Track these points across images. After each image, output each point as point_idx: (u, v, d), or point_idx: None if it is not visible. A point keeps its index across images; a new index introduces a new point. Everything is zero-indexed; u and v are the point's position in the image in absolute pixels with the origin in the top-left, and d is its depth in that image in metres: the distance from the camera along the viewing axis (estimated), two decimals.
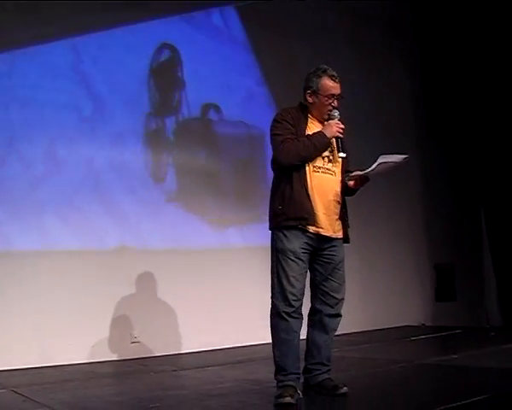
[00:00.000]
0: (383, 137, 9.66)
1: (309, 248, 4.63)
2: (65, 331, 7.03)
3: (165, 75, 8.28)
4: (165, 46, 8.21)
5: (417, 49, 10.90)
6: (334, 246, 4.74)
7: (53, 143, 7.31)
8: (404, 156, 4.69)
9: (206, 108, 8.48)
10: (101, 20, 7.70)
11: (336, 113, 4.73)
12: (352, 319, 8.28)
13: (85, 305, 7.21)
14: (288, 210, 4.58)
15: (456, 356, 6.43)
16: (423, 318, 10.30)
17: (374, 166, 4.65)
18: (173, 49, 8.25)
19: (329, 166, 4.73)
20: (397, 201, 10.06)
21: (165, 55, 8.22)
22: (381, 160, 4.65)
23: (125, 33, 7.85)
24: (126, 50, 7.85)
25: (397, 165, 4.74)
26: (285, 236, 4.60)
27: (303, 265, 4.63)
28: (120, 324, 7.54)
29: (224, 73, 8.57)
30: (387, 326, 9.46)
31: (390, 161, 4.68)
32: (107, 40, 7.73)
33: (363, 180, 4.78)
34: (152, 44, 8.14)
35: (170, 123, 8.21)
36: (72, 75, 7.52)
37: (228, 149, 8.58)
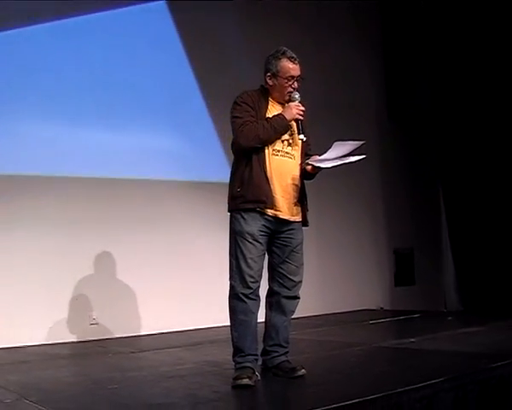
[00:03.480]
0: (343, 121, 9.68)
1: (267, 230, 4.64)
2: (22, 312, 6.97)
3: None
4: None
5: (380, 32, 10.93)
6: (293, 229, 4.75)
7: None
8: (359, 142, 4.69)
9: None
10: None
11: (297, 95, 4.72)
12: (311, 302, 8.36)
13: (44, 286, 7.17)
14: (246, 193, 4.58)
15: (413, 340, 6.47)
16: (382, 302, 10.38)
17: (328, 152, 4.67)
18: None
19: (289, 149, 4.72)
20: (356, 185, 10.10)
21: None
22: (335, 146, 4.66)
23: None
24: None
25: (353, 155, 4.72)
26: (243, 218, 4.60)
27: (261, 247, 4.64)
28: (79, 305, 7.50)
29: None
30: (346, 310, 9.53)
31: (344, 153, 4.68)
32: None
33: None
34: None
35: None
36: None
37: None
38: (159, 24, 8.54)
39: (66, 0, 7.62)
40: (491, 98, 9.38)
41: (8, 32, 7.33)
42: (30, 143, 7.39)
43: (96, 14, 7.94)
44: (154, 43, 8.43)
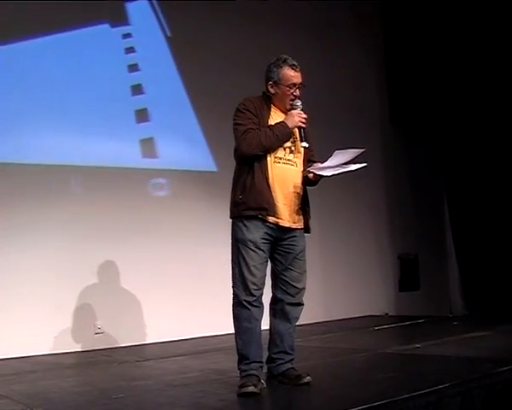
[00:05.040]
0: (346, 125, 9.69)
1: (269, 238, 4.65)
2: (27, 322, 6.98)
3: None
4: None
5: (382, 36, 10.94)
6: (295, 236, 4.76)
7: None
8: (359, 150, 4.69)
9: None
10: None
11: (299, 102, 4.73)
12: (316, 308, 8.36)
13: (49, 296, 7.18)
14: (248, 200, 4.58)
15: (419, 345, 6.47)
16: (387, 307, 10.37)
17: (329, 160, 4.67)
18: None
19: (291, 157, 4.73)
20: (359, 190, 10.10)
21: None
22: (336, 154, 4.67)
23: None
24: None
25: (354, 163, 4.71)
26: (245, 226, 4.60)
27: (263, 254, 4.64)
28: (84, 314, 7.51)
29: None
30: (351, 316, 9.52)
31: (345, 160, 4.68)
32: None
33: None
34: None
35: None
36: None
37: None
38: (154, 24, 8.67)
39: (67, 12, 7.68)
40: (495, 101, 9.38)
41: (13, 44, 7.40)
42: (34, 152, 7.43)
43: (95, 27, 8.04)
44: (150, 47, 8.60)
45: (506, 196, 9.45)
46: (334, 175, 4.69)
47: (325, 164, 4.71)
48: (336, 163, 4.67)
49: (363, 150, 4.68)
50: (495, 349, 6.00)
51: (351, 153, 4.68)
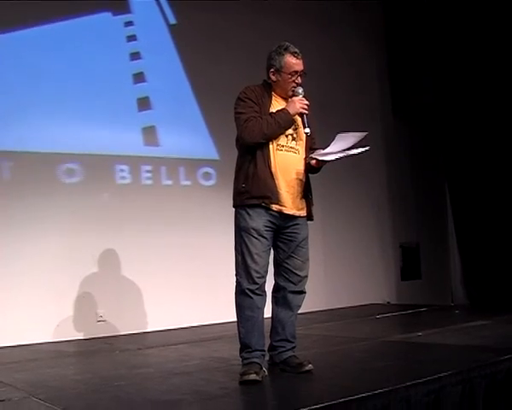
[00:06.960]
0: (348, 118, 9.65)
1: (272, 226, 4.64)
2: (29, 310, 7.00)
3: None
4: None
5: (384, 28, 10.92)
6: (298, 224, 4.75)
7: None
8: (362, 134, 4.67)
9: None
10: None
11: (300, 89, 4.72)
12: (317, 297, 8.37)
13: (50, 284, 7.19)
14: (251, 188, 4.57)
15: (420, 334, 6.48)
16: (389, 296, 10.38)
17: (331, 145, 4.66)
18: None
19: (293, 144, 4.72)
20: (362, 180, 10.11)
21: None
22: (338, 138, 4.65)
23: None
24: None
25: (356, 148, 4.70)
26: (248, 214, 4.59)
27: (266, 242, 4.63)
28: (86, 303, 7.52)
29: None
30: (352, 304, 9.53)
31: (347, 146, 4.66)
32: None
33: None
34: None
35: None
36: None
37: None
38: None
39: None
40: (497, 92, 9.35)
41: (14, 33, 7.39)
42: (36, 140, 7.43)
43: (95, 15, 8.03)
44: (151, 43, 8.58)
45: (507, 187, 9.43)
46: (337, 159, 4.68)
47: (327, 149, 4.69)
48: (338, 148, 4.65)
49: (365, 134, 4.66)
50: (496, 338, 6.00)
51: (353, 136, 4.65)
